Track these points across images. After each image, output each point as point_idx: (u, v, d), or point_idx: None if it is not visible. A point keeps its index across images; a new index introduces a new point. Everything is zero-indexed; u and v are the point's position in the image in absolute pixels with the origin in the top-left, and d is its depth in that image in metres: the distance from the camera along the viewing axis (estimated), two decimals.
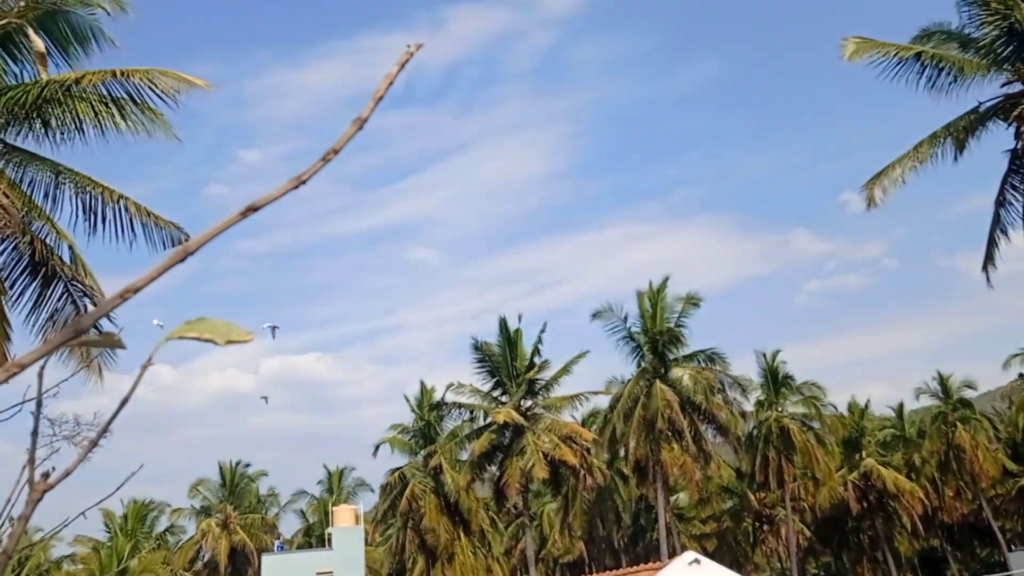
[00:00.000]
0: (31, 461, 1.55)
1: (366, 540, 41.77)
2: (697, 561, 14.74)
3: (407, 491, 44.12)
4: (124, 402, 1.49)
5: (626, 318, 39.88)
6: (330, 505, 48.63)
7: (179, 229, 11.74)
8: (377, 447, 46.96)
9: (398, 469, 46.29)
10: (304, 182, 1.22)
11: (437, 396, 45.83)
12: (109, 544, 50.47)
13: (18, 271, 11.33)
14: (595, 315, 40.12)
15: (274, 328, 31.76)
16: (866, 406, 54.24)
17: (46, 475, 1.50)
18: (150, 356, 1.68)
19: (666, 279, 40.07)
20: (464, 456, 43.05)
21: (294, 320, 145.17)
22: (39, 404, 1.75)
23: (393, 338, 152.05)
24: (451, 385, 41.21)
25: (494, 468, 40.38)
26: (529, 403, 40.15)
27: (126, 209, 11.35)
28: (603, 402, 43.04)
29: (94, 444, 1.68)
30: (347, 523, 40.13)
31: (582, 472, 41.34)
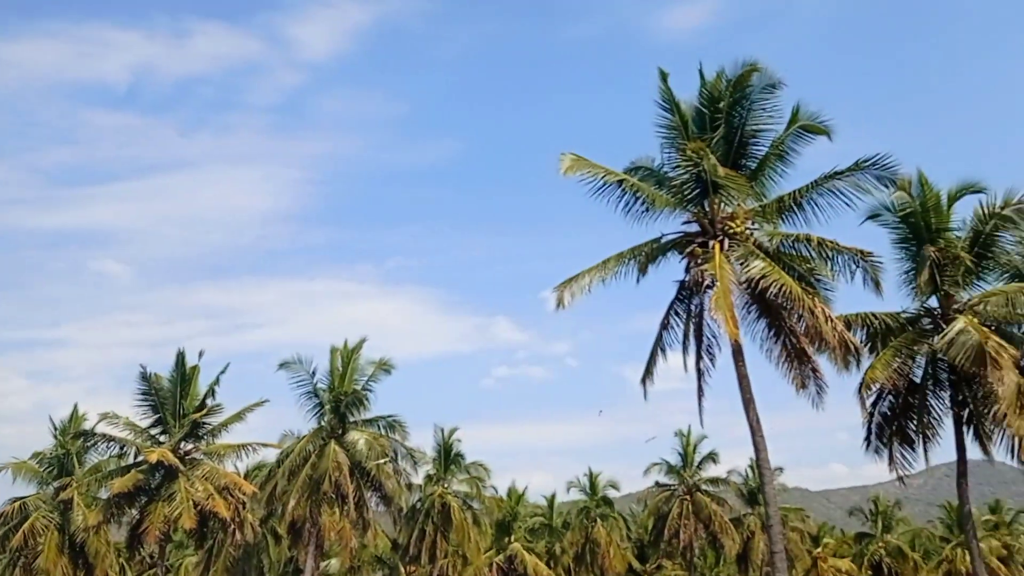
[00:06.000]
0: None
1: None
2: None
3: (26, 524, 38.61)
4: None
5: (314, 373, 38.73)
6: None
7: None
8: None
9: (21, 499, 40.48)
10: None
11: (89, 425, 41.09)
12: None
13: None
14: (283, 365, 38.56)
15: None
16: (523, 492, 57.27)
17: None
18: None
19: (362, 340, 39.60)
20: (104, 494, 38.74)
21: None
22: None
23: (54, 352, 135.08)
24: (106, 415, 37.14)
25: (134, 511, 36.71)
26: (190, 446, 37.33)
27: None
28: (273, 455, 41.12)
29: None
30: None
31: (232, 527, 38.94)
